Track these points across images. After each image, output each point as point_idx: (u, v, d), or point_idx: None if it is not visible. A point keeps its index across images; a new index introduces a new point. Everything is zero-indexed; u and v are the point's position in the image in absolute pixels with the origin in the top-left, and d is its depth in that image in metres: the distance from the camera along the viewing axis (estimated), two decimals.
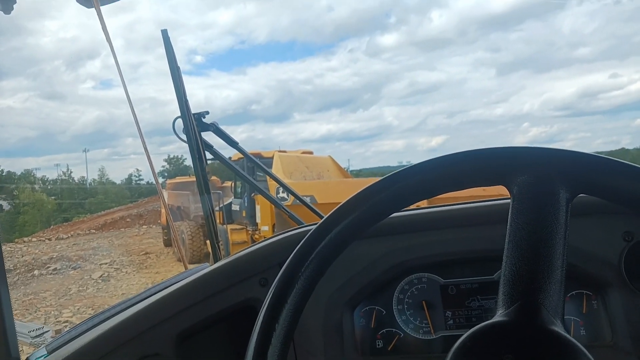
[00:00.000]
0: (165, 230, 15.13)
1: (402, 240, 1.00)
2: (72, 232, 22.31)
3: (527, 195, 0.54)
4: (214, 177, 11.69)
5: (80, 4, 1.21)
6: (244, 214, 9.98)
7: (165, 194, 15.36)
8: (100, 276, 11.61)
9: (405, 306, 1.02)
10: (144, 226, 22.86)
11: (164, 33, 1.16)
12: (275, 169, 9.06)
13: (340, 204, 0.59)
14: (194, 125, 1.29)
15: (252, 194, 9.37)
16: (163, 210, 14.74)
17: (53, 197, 41.23)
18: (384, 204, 0.58)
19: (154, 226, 21.70)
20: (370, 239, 1.00)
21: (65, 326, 7.79)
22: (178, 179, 17.45)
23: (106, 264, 13.17)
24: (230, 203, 10.89)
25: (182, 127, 1.31)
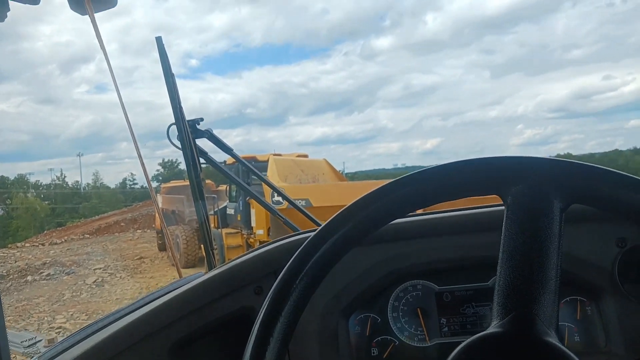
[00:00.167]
0: (160, 235, 15.08)
1: (397, 247, 1.00)
2: (65, 237, 22.19)
3: (521, 205, 0.54)
4: (208, 181, 11.67)
5: (74, 11, 1.20)
6: (239, 218, 9.97)
7: (159, 198, 15.34)
8: (94, 281, 11.54)
9: (400, 313, 1.02)
10: (139, 230, 22.78)
11: (159, 40, 1.16)
12: (271, 173, 9.05)
13: (335, 214, 0.59)
14: (189, 132, 1.29)
15: (247, 198, 9.36)
16: (157, 215, 14.68)
17: (47, 202, 41.01)
18: (378, 214, 0.58)
19: (149, 230, 21.63)
20: (365, 246, 1.00)
21: (59, 332, 7.73)
22: (172, 183, 17.39)
23: (100, 269, 13.10)
24: (225, 207, 10.87)
25: (177, 133, 1.31)
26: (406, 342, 1.00)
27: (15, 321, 8.48)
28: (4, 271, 13.11)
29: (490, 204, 1.05)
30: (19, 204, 35.58)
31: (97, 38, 1.25)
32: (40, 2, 1.11)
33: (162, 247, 15.03)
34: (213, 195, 10.32)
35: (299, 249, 0.58)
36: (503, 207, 0.56)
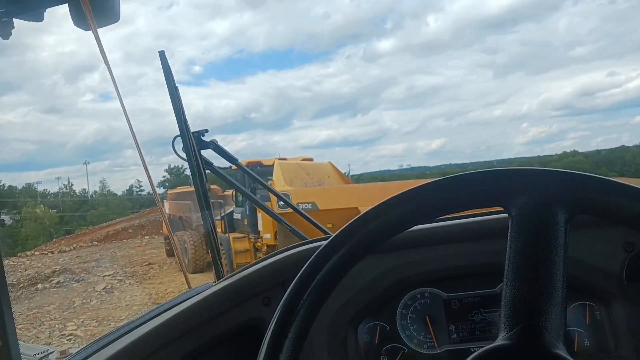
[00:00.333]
0: (168, 241, 15.11)
1: (404, 255, 1.00)
2: (74, 245, 22.30)
3: (526, 217, 0.54)
4: (214, 187, 11.69)
5: (78, 27, 1.22)
6: (245, 223, 9.98)
7: (166, 204, 15.39)
8: (104, 288, 11.59)
9: (409, 321, 1.02)
10: (146, 237, 22.84)
11: (162, 54, 1.17)
12: (276, 177, 9.06)
13: (343, 226, 0.60)
14: (194, 144, 1.30)
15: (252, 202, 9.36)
16: (164, 221, 14.72)
17: (55, 210, 41.23)
18: (385, 227, 0.59)
19: (156, 236, 21.68)
20: (373, 255, 1.00)
21: (70, 339, 7.76)
22: (179, 189, 17.44)
23: (109, 275, 13.15)
24: (232, 212, 10.89)
25: (182, 145, 1.32)
26: (415, 350, 1.01)
27: (26, 329, 8.54)
28: (15, 280, 13.19)
29: (496, 209, 1.05)
30: (28, 213, 35.80)
31: (101, 53, 1.27)
32: (44, 18, 1.12)
33: (170, 253, 15.06)
34: (220, 201, 10.34)
35: (308, 262, 0.58)
36: (507, 215, 0.57)
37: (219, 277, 1.21)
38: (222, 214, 10.34)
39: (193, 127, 1.38)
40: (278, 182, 8.85)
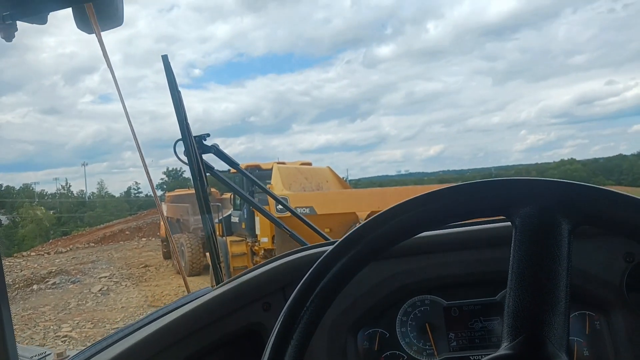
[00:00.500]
0: (165, 243, 15.09)
1: (405, 263, 1.00)
2: (71, 246, 22.24)
3: (529, 227, 0.54)
4: (212, 189, 11.69)
5: (81, 30, 1.22)
6: (243, 226, 9.97)
7: (164, 206, 15.37)
8: (100, 290, 11.55)
9: (409, 328, 1.02)
10: (143, 239, 22.80)
11: (165, 58, 1.17)
12: (275, 181, 9.06)
13: (346, 234, 0.60)
14: (195, 148, 1.30)
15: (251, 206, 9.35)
16: (162, 223, 14.70)
17: (52, 211, 41.13)
18: (388, 236, 0.59)
19: (153, 239, 21.63)
20: (374, 262, 1.00)
21: (65, 341, 7.73)
22: (177, 192, 17.43)
23: (105, 277, 13.11)
24: (230, 215, 10.88)
25: (183, 149, 1.31)
26: (415, 357, 1.00)
27: (21, 330, 8.50)
28: (10, 280, 13.13)
29: (497, 218, 1.05)
30: (25, 213, 35.71)
31: (104, 56, 1.27)
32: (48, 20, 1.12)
33: (167, 256, 15.04)
34: (217, 204, 10.33)
35: (312, 268, 0.58)
36: (509, 223, 0.57)
37: (218, 281, 1.21)
38: (220, 217, 10.34)
39: (193, 130, 1.38)
40: (276, 186, 8.85)
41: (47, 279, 13.12)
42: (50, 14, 1.10)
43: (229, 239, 10.17)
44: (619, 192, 0.53)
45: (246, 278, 1.03)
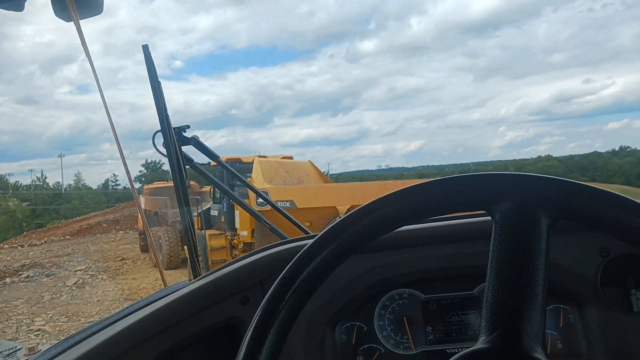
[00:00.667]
0: (142, 236, 14.92)
1: (384, 256, 1.01)
2: (45, 239, 21.80)
3: (509, 221, 0.55)
4: (192, 182, 11.59)
5: (59, 17, 1.19)
6: (222, 220, 9.91)
7: (142, 199, 15.18)
8: (75, 283, 11.37)
9: (387, 322, 1.03)
10: (121, 232, 22.50)
11: (145, 48, 1.15)
12: (255, 174, 9.01)
13: (326, 229, 0.60)
14: (174, 139, 1.28)
15: (232, 199, 9.30)
16: (140, 216, 14.52)
17: (27, 203, 40.27)
18: (369, 230, 0.59)
19: (131, 232, 21.37)
20: (353, 256, 1.00)
21: (38, 335, 7.60)
22: (156, 184, 17.22)
23: (81, 270, 12.91)
24: (209, 208, 10.80)
25: (162, 141, 1.30)
26: (392, 350, 1.01)
27: None
28: None
29: (475, 213, 1.06)
30: None
31: (83, 45, 1.24)
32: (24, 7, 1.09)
33: (145, 249, 14.87)
34: (197, 197, 10.24)
35: (291, 262, 0.58)
36: (487, 218, 0.57)
37: (195, 275, 1.20)
38: (199, 211, 10.25)
39: (173, 122, 1.36)
40: (257, 180, 8.81)
41: (21, 272, 12.85)
42: (28, 0, 1.08)
43: (208, 232, 10.10)
44: (598, 187, 0.54)
45: (224, 272, 1.02)
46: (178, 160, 1.27)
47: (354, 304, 1.02)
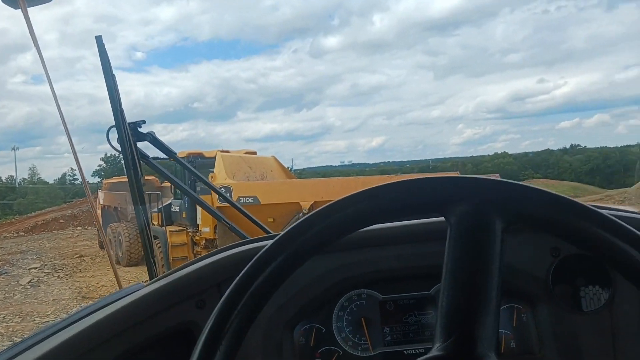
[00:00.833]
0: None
1: (342, 257, 1.00)
2: None
3: (464, 225, 0.55)
4: (152, 177, 11.34)
5: (6, 4, 1.14)
6: (184, 216, 9.74)
7: (101, 194, 14.78)
8: (29, 281, 10.98)
9: (345, 323, 1.02)
10: (79, 228, 21.85)
11: (99, 40, 1.10)
12: (218, 169, 8.90)
13: (283, 232, 0.58)
14: (129, 135, 1.23)
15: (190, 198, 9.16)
16: (98, 212, 14.12)
17: None
18: (324, 234, 0.58)
19: (89, 227, 20.81)
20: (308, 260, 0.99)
21: None
22: (115, 179, 16.76)
23: (36, 268, 12.48)
24: (170, 204, 10.60)
25: (117, 136, 1.25)
26: (350, 352, 1.01)
27: None
28: None
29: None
30: None
31: (30, 33, 1.18)
32: None
33: (103, 245, 14.50)
34: (157, 192, 10.02)
35: (248, 265, 0.57)
36: (443, 218, 0.57)
37: (151, 277, 1.16)
38: (160, 206, 10.05)
39: (133, 115, 1.32)
40: (220, 175, 8.70)
41: None
42: None
43: (168, 228, 9.90)
44: (552, 191, 0.55)
45: (181, 274, 0.99)
46: (133, 157, 1.23)
47: (313, 305, 1.01)
